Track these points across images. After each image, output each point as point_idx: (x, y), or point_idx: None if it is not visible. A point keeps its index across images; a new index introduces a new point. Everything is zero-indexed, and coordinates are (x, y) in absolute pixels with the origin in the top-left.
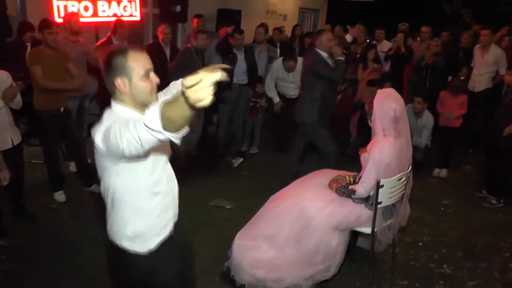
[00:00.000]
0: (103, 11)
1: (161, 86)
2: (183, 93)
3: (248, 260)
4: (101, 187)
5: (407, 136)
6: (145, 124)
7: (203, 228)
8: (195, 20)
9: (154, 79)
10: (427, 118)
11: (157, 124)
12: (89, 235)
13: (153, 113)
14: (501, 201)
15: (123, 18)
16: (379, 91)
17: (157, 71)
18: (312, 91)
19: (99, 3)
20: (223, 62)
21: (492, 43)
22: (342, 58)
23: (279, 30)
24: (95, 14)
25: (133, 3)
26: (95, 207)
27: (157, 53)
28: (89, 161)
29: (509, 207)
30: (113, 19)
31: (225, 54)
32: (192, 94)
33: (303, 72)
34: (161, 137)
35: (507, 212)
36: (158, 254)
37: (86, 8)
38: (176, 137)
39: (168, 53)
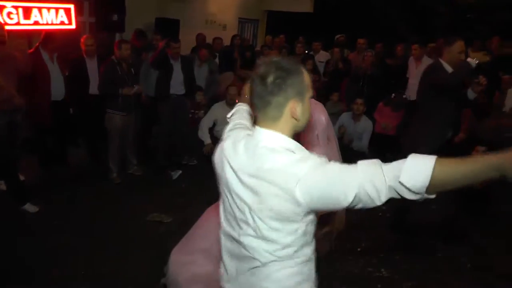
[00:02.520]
0: (35, 17)
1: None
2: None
3: (185, 276)
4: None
5: (332, 141)
6: (400, 182)
7: (140, 244)
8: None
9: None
10: (366, 123)
11: (422, 186)
12: None
13: (420, 171)
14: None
15: (56, 27)
16: None
17: (79, 87)
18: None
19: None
20: (160, 75)
21: (424, 55)
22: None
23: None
24: (25, 21)
25: (67, 10)
26: None
27: (78, 68)
28: (21, 178)
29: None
30: (44, 27)
31: (162, 67)
32: None
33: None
34: (410, 197)
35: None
36: None
37: (9, 15)
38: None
39: (95, 64)
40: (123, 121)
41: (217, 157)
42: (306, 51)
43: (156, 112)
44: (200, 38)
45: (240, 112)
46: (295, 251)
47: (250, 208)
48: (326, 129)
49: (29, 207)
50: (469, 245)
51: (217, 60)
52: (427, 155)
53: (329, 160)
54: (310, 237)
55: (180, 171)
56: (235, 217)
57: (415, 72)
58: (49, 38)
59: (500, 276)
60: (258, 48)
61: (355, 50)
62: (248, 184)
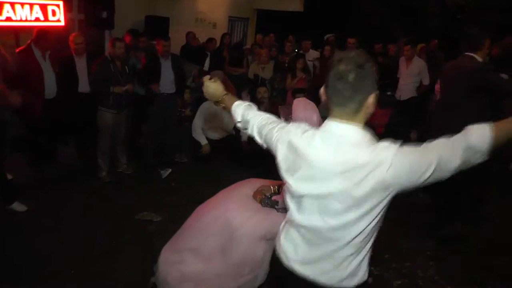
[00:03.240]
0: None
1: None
2: None
3: (175, 275)
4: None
5: None
6: (469, 147)
7: (129, 243)
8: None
9: None
10: None
11: (487, 146)
12: None
13: (482, 134)
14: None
15: (45, 24)
16: (296, 101)
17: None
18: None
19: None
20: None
21: (415, 55)
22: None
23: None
24: (11, 18)
25: (56, 7)
26: None
27: (67, 66)
28: (9, 177)
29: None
30: (32, 24)
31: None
32: None
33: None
34: (476, 161)
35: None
36: None
37: None
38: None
39: (84, 63)
40: (114, 119)
41: (286, 155)
42: (296, 50)
43: (145, 110)
44: (190, 36)
45: (253, 108)
46: (371, 234)
47: (338, 199)
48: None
49: (17, 206)
50: (460, 244)
51: (208, 59)
52: (480, 124)
53: None
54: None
55: (170, 170)
56: (319, 208)
57: (406, 72)
58: (41, 35)
59: (492, 275)
60: (248, 46)
61: (345, 50)
62: (335, 177)
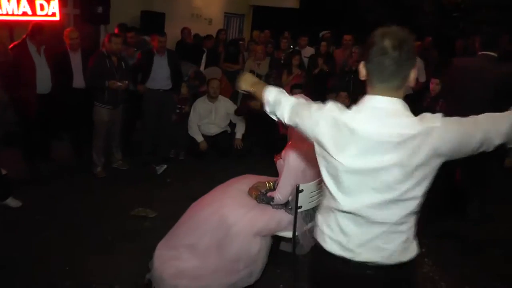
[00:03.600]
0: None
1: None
2: None
3: (170, 271)
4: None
5: None
6: None
7: (124, 239)
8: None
9: None
10: None
11: None
12: None
13: None
14: None
15: (40, 18)
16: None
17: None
18: None
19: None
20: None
21: None
22: None
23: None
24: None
25: (52, 2)
26: None
27: (62, 62)
28: (3, 172)
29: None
30: (25, 18)
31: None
32: None
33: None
34: None
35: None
36: None
37: None
38: None
39: (79, 58)
40: (109, 115)
41: (333, 133)
42: (291, 46)
43: (140, 106)
44: (185, 32)
45: (285, 93)
46: (418, 206)
47: (393, 170)
48: None
49: (11, 202)
50: (457, 242)
51: (204, 56)
52: None
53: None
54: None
55: (165, 166)
56: (373, 183)
57: None
58: (37, 30)
59: (490, 275)
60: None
61: (341, 46)
62: (391, 149)
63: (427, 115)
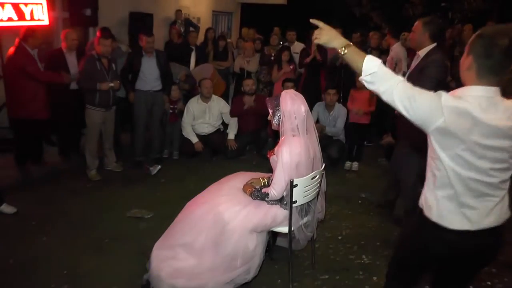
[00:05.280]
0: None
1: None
2: None
3: (167, 271)
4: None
5: (312, 132)
6: None
7: (121, 240)
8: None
9: None
10: (339, 109)
11: None
12: None
13: None
14: None
15: (29, 23)
16: (284, 92)
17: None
18: None
19: None
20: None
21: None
22: None
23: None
24: None
25: (39, 6)
26: None
27: (57, 61)
28: None
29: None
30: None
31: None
32: None
33: None
34: None
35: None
36: None
37: None
38: None
39: (74, 59)
40: (102, 117)
41: (456, 120)
42: (281, 42)
43: (130, 107)
44: (173, 32)
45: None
46: None
47: (506, 152)
48: (306, 120)
49: (6, 208)
50: None
51: (193, 54)
52: None
53: (308, 151)
54: None
55: (159, 166)
56: (490, 156)
57: (392, 62)
58: (29, 34)
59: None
60: (230, 40)
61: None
62: (508, 137)
63: None
